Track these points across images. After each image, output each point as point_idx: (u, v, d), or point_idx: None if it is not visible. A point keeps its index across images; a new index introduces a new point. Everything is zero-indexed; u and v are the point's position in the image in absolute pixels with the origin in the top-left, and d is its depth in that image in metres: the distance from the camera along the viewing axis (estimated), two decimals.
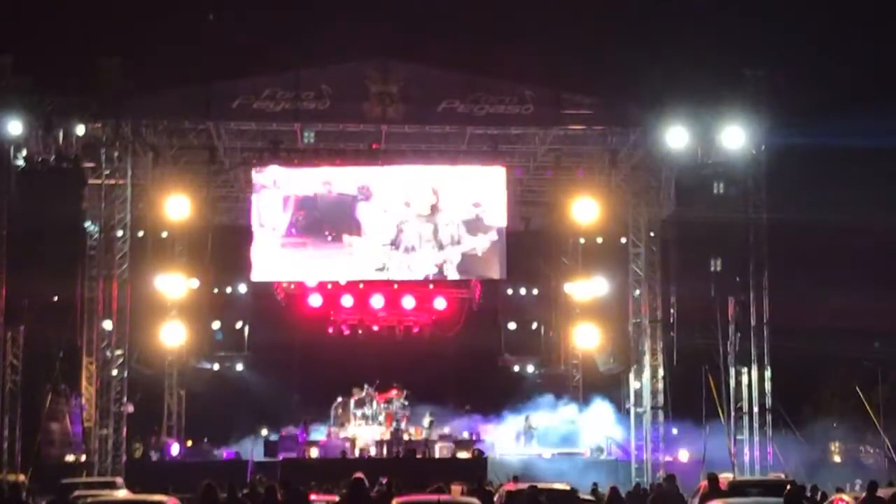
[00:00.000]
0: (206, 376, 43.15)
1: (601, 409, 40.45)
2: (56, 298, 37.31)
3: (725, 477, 26.27)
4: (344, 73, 35.16)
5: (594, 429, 40.06)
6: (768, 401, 34.67)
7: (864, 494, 22.06)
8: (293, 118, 35.48)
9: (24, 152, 33.14)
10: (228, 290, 43.54)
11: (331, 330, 43.50)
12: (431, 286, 42.65)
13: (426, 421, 40.05)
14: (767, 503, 20.29)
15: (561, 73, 37.73)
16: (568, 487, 25.03)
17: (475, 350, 43.48)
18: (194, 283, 41.53)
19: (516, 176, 39.68)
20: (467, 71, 35.95)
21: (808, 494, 23.99)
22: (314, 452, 38.13)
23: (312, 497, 23.13)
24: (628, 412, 37.96)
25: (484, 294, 43.77)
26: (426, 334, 43.83)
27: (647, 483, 33.40)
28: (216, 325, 43.56)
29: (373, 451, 38.71)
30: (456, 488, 24.66)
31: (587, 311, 42.34)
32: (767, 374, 34.70)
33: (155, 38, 42.66)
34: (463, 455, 37.65)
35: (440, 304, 43.51)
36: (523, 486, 24.66)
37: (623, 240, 38.97)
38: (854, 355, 40.76)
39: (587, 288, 41.99)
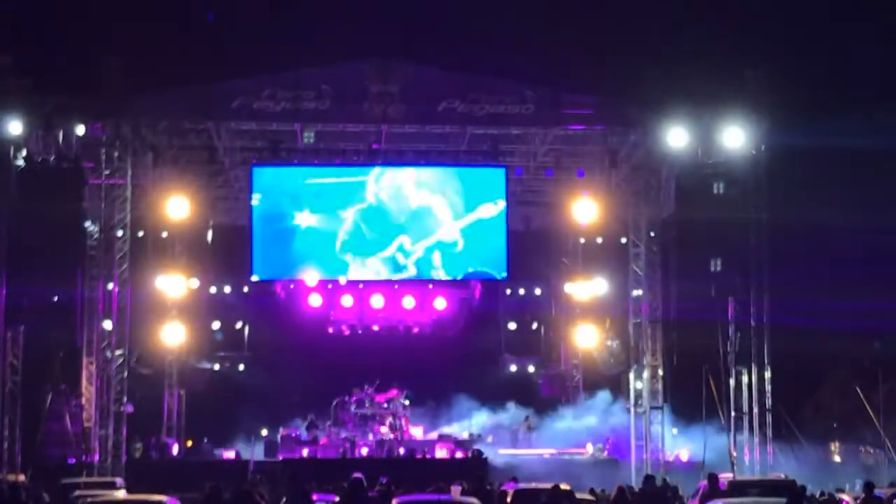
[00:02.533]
0: (206, 376, 43.12)
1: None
2: (56, 298, 37.45)
3: (725, 477, 26.26)
4: (344, 73, 35.16)
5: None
6: (768, 401, 34.67)
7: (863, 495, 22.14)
8: (293, 118, 35.49)
9: (24, 152, 33.12)
10: (228, 290, 43.53)
11: (331, 330, 43.45)
12: (431, 286, 42.64)
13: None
14: (767, 503, 20.29)
15: (561, 73, 37.79)
16: (568, 487, 25.02)
17: (475, 350, 43.45)
18: (194, 283, 41.58)
19: (516, 176, 39.69)
20: (467, 71, 35.98)
21: (825, 496, 23.97)
22: (314, 452, 38.11)
23: (313, 497, 23.13)
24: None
25: (484, 294, 43.75)
26: (426, 334, 43.78)
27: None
28: (216, 325, 43.56)
29: (373, 452, 38.67)
30: (455, 488, 24.66)
31: (587, 311, 42.36)
32: (767, 374, 34.71)
33: (155, 38, 42.64)
34: (462, 455, 37.63)
35: (440, 304, 43.47)
36: (529, 485, 24.71)
37: (623, 240, 38.97)
38: (854, 355, 40.73)
39: (587, 288, 42.00)
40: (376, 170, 38.23)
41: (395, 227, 38.50)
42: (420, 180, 38.49)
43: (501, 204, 38.39)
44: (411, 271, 38.88)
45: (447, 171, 38.37)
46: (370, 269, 38.90)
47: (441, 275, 39.47)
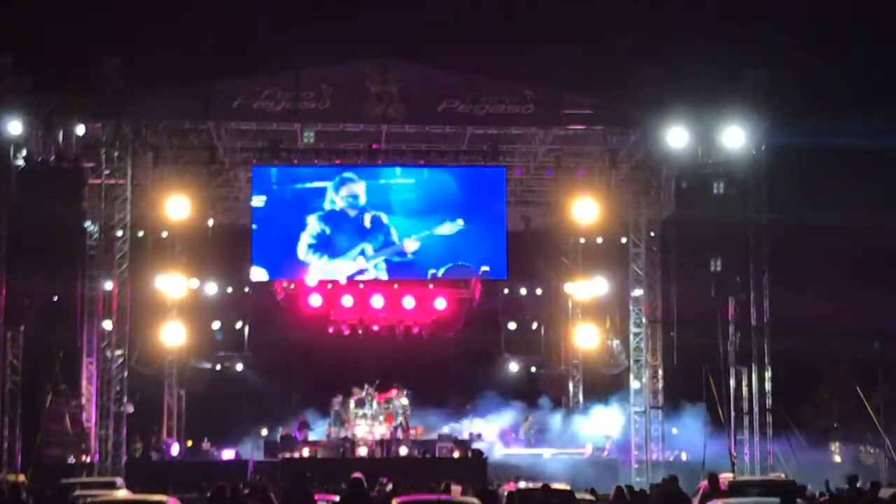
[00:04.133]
0: (206, 376, 43.13)
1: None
2: (56, 298, 37.45)
3: (725, 477, 26.26)
4: (344, 73, 35.15)
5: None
6: (768, 401, 34.67)
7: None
8: (293, 118, 35.47)
9: (24, 152, 33.15)
10: (229, 290, 43.55)
11: (331, 330, 43.44)
12: (431, 286, 42.65)
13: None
14: (767, 503, 20.30)
15: (561, 73, 37.78)
16: (568, 487, 25.03)
17: (475, 350, 43.45)
18: (194, 283, 41.57)
19: (516, 176, 39.69)
20: (467, 71, 35.94)
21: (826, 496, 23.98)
22: (314, 452, 38.12)
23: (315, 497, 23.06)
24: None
25: (484, 294, 43.75)
26: (426, 334, 43.77)
27: (648, 483, 33.36)
28: (216, 325, 43.57)
29: (373, 452, 38.65)
30: (456, 488, 24.65)
31: (587, 311, 42.35)
32: (767, 374, 34.72)
33: (155, 38, 42.67)
34: (462, 455, 37.62)
35: (440, 304, 43.46)
36: (528, 485, 24.69)
37: (623, 240, 39.00)
38: (854, 355, 40.74)
39: (587, 288, 41.99)
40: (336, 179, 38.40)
41: (358, 233, 38.64)
42: (378, 194, 38.58)
43: (461, 223, 38.38)
44: (372, 274, 39.05)
45: (408, 183, 38.45)
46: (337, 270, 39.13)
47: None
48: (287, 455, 37.27)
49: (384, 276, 39.36)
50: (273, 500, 21.05)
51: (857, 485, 22.25)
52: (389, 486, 26.50)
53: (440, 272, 39.13)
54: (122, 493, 26.55)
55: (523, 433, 40.88)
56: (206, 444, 40.59)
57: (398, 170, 38.39)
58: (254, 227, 38.23)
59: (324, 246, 38.52)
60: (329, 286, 42.24)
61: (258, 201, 38.09)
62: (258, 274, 39.14)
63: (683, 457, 37.50)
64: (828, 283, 38.30)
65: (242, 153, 38.09)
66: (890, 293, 37.03)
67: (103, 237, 35.70)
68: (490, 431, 40.73)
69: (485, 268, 39.17)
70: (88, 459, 35.43)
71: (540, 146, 38.10)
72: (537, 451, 38.98)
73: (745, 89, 34.63)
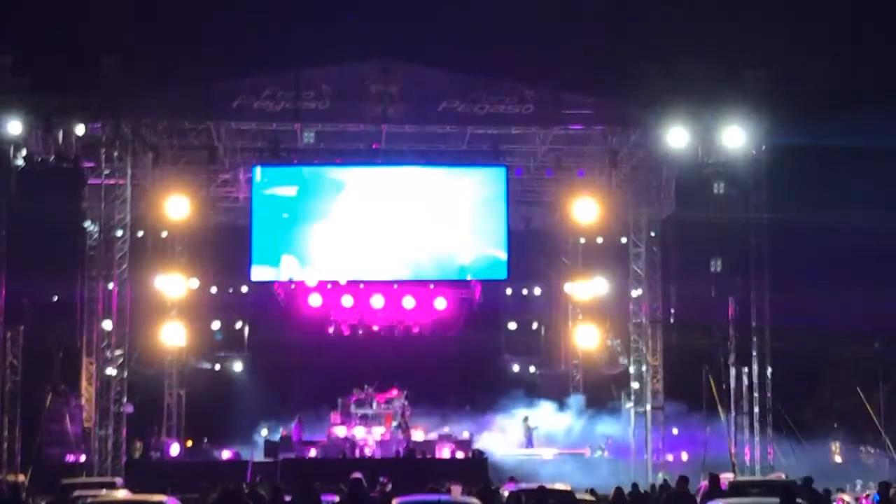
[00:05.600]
0: (206, 376, 43.12)
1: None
2: (56, 298, 37.46)
3: (726, 477, 26.26)
4: (344, 73, 35.19)
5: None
6: (769, 401, 34.69)
7: (865, 494, 22.20)
8: (293, 118, 35.51)
9: (24, 152, 33.15)
10: (229, 290, 43.54)
11: (331, 330, 43.43)
12: (432, 286, 42.63)
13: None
14: (767, 503, 20.30)
15: (561, 73, 37.74)
16: (568, 488, 25.02)
17: (475, 350, 43.43)
18: (194, 283, 41.58)
19: (516, 176, 39.70)
20: (467, 71, 35.97)
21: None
22: (313, 452, 38.13)
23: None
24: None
25: (484, 294, 43.72)
26: (426, 334, 43.76)
27: (648, 483, 33.35)
28: (216, 325, 43.58)
29: (373, 452, 38.67)
30: (456, 488, 24.61)
31: (587, 311, 42.36)
32: (768, 374, 34.72)
33: (155, 38, 42.62)
34: (462, 455, 37.62)
35: (440, 304, 43.45)
36: (528, 486, 24.64)
37: (623, 240, 39.01)
38: (854, 355, 40.74)
39: (587, 288, 42.01)
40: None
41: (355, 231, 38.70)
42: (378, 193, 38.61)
43: (460, 223, 38.51)
44: (372, 273, 39.05)
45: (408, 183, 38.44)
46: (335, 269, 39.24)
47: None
48: (287, 455, 37.27)
49: (384, 276, 39.36)
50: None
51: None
52: (389, 486, 26.51)
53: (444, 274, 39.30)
54: (122, 494, 26.55)
55: (522, 433, 40.86)
56: (206, 444, 40.60)
57: (398, 169, 38.39)
58: (252, 226, 38.29)
59: (321, 244, 38.52)
60: (329, 286, 42.23)
61: (284, 191, 38.08)
62: (259, 273, 39.14)
63: (684, 457, 37.48)
64: (828, 283, 38.28)
65: (242, 153, 38.12)
66: (890, 293, 37.01)
67: (103, 237, 35.69)
68: (490, 431, 40.70)
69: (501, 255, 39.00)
70: (88, 459, 35.41)
71: (540, 146, 38.11)
72: (537, 451, 38.98)
73: (745, 89, 34.63)
